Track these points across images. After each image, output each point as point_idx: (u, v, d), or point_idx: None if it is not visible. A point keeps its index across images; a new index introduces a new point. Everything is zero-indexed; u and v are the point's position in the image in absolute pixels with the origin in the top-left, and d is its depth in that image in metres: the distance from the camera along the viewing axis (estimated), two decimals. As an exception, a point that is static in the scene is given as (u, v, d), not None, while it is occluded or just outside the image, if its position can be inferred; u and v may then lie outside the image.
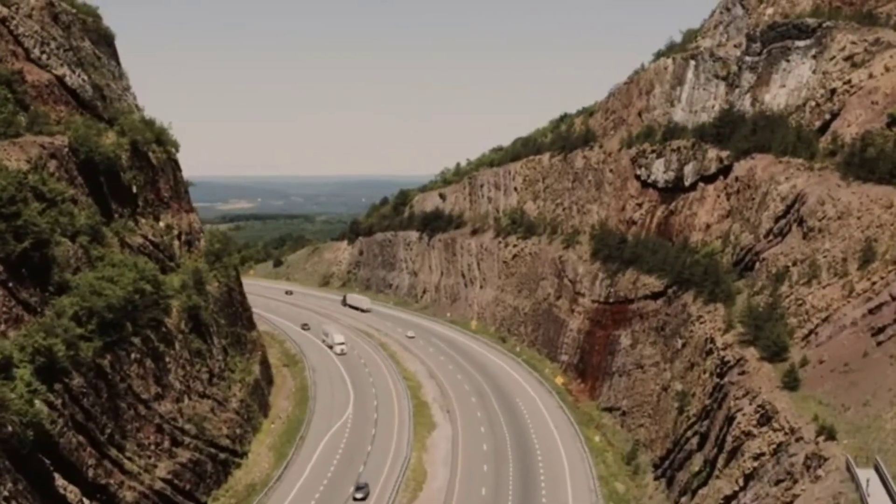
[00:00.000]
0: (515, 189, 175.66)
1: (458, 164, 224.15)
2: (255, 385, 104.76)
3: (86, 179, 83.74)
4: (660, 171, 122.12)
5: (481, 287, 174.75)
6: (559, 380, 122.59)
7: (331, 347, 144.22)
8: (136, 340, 75.24)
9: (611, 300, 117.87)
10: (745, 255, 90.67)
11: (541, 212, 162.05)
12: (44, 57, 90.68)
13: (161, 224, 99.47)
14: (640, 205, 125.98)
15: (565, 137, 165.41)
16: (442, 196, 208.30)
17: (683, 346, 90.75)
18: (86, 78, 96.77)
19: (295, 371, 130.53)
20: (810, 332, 69.75)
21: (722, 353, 76.25)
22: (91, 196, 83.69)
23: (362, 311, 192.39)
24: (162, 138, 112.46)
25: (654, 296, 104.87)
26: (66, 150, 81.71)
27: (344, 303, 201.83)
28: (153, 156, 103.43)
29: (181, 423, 79.52)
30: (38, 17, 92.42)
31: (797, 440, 57.18)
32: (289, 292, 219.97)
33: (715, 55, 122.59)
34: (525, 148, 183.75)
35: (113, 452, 67.60)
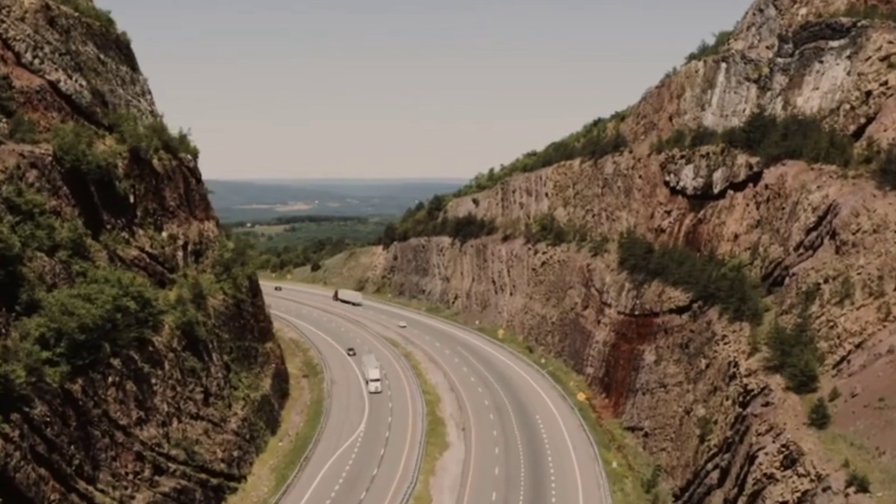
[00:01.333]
0: (546, 195, 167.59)
1: (491, 170, 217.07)
2: (263, 401, 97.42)
3: (72, 189, 76.78)
4: (689, 178, 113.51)
5: (511, 294, 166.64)
6: (582, 396, 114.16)
7: (366, 383, 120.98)
8: (116, 362, 68.14)
9: (636, 312, 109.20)
10: (774, 269, 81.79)
11: (570, 218, 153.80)
12: (36, 62, 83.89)
13: (164, 234, 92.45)
14: (668, 212, 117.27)
15: (596, 142, 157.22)
16: (475, 201, 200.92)
17: (707, 366, 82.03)
18: (84, 83, 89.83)
19: (314, 382, 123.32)
20: (842, 359, 60.93)
21: (745, 379, 67.52)
22: (78, 207, 76.72)
23: (354, 304, 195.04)
24: (172, 144, 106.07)
25: (679, 310, 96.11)
26: (50, 158, 74.85)
27: (335, 297, 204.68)
28: (159, 163, 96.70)
29: (167, 449, 72.25)
30: (31, 21, 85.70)
31: (824, 490, 48.57)
32: (278, 288, 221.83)
33: (746, 57, 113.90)
34: (557, 153, 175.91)
35: (81, 485, 60.51)
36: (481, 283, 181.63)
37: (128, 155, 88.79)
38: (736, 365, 71.58)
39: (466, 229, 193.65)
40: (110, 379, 66.99)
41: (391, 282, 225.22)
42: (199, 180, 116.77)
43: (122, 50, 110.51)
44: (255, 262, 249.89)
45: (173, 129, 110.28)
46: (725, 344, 78.39)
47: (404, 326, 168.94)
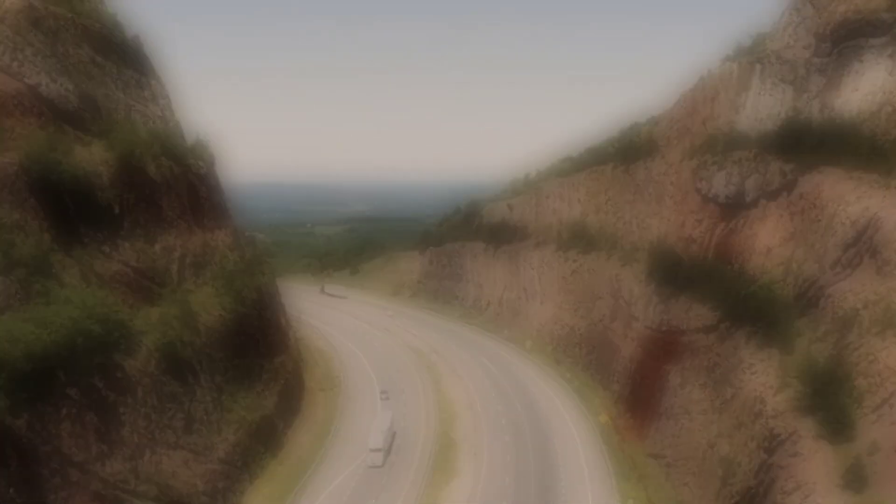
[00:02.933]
0: (579, 201, 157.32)
1: (527, 174, 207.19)
2: (263, 423, 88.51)
3: (42, 201, 68.60)
4: (721, 185, 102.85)
5: (541, 303, 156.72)
6: (605, 417, 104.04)
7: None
8: (73, 392, 59.80)
9: (663, 328, 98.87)
10: (808, 289, 71.23)
11: (602, 225, 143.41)
12: (15, 64, 75.88)
13: (157, 247, 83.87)
14: (699, 221, 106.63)
15: (629, 147, 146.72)
16: (510, 206, 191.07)
17: (732, 396, 71.58)
18: (70, 87, 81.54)
19: (330, 397, 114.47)
20: (883, 401, 50.60)
21: (772, 421, 57.19)
22: (48, 220, 68.47)
23: (339, 297, 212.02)
24: (178, 151, 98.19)
25: (707, 329, 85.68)
26: (15, 168, 66.66)
27: (322, 291, 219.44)
28: (156, 171, 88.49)
29: (134, 485, 63.68)
30: (12, 22, 77.89)
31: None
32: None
33: (782, 58, 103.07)
34: (591, 158, 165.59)
35: (23, 533, 52.17)
36: (513, 291, 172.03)
37: (116, 162, 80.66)
38: (762, 402, 61.20)
39: (500, 235, 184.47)
40: (64, 411, 58.55)
41: (426, 286, 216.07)
42: (212, 188, 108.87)
43: (128, 53, 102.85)
44: (291, 266, 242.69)
45: (204, 136, 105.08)
46: (752, 374, 67.98)
47: (392, 316, 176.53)
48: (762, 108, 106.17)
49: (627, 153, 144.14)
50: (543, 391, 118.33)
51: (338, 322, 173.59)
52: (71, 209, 72.30)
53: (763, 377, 64.88)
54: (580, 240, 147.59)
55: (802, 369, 58.12)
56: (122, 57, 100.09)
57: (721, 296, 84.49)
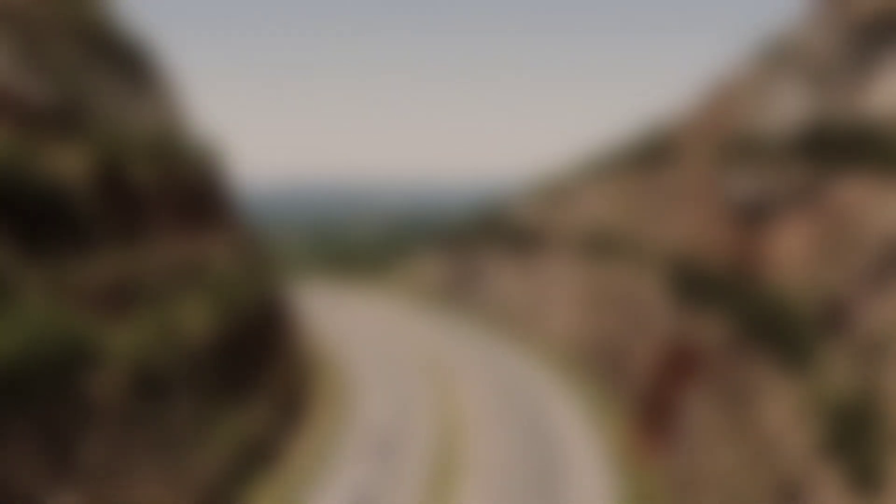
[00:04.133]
0: (598, 205, 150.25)
1: (548, 177, 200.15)
2: (251, 442, 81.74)
3: (5, 210, 62.19)
4: (741, 191, 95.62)
5: (560, 309, 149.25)
6: (618, 441, 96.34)
7: None
8: (24, 417, 53.28)
9: (679, 342, 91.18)
10: (834, 308, 63.37)
11: (620, 230, 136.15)
12: (-19, 64, 69.71)
13: (139, 257, 77.46)
14: (719, 229, 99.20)
15: (648, 150, 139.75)
16: (530, 210, 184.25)
17: (749, 425, 63.85)
18: (48, 89, 75.35)
19: (329, 412, 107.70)
20: (920, 446, 42.81)
21: (791, 464, 49.55)
22: (12, 231, 62.09)
23: (359, 300, 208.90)
24: (173, 154, 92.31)
25: (724, 346, 77.95)
26: (-31, 176, 60.34)
27: (342, 294, 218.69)
28: (144, 175, 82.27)
29: (94, 519, 57.01)
30: (-19, 19, 71.76)
31: None
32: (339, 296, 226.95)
33: (807, 57, 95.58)
34: (611, 161, 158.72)
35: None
36: (533, 296, 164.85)
37: (95, 167, 74.37)
38: (781, 438, 53.61)
39: (521, 239, 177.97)
40: (12, 438, 52.19)
41: (448, 290, 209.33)
42: (214, 192, 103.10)
43: (125, 54, 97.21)
44: (313, 267, 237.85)
45: (210, 138, 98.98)
46: (771, 401, 60.24)
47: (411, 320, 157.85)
48: (786, 109, 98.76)
49: (647, 156, 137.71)
50: (556, 408, 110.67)
51: (354, 327, 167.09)
52: (39, 218, 65.93)
53: (782, 407, 57.23)
54: (598, 245, 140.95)
55: (827, 403, 50.49)
56: (118, 57, 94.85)
57: (739, 310, 76.84)
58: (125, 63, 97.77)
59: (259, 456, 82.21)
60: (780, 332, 65.35)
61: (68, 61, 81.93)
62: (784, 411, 56.45)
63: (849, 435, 45.79)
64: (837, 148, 78.41)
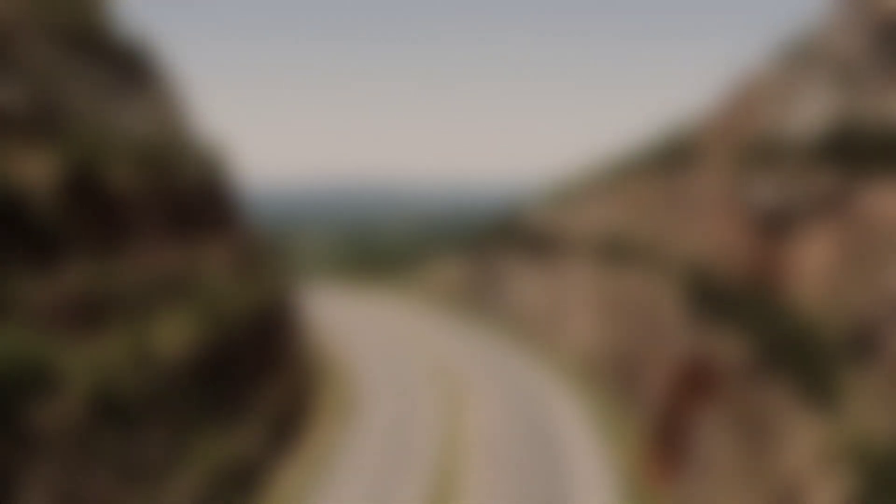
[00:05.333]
0: (615, 210, 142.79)
1: (566, 180, 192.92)
2: (235, 465, 75.07)
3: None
4: (763, 197, 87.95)
5: (576, 317, 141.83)
6: (628, 462, 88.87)
7: None
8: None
9: (695, 359, 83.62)
10: (863, 330, 55.76)
11: (637, 237, 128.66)
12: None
13: (115, 269, 71.03)
14: (739, 237, 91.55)
15: (667, 153, 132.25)
16: (547, 214, 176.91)
17: (767, 460, 56.28)
18: (21, 92, 69.10)
19: (330, 427, 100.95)
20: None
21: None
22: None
23: (375, 304, 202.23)
24: (164, 158, 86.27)
25: (741, 367, 70.32)
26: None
27: (358, 297, 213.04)
28: (126, 181, 76.00)
29: (38, 563, 50.53)
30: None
31: None
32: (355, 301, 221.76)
33: (833, 56, 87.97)
34: (629, 164, 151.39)
35: None
36: (549, 303, 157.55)
37: (68, 173, 68.11)
38: (803, 483, 46.10)
39: (538, 243, 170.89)
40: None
41: (466, 295, 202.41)
42: (210, 197, 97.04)
43: (118, 56, 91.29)
44: (332, 269, 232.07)
45: (211, 141, 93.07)
46: (792, 435, 52.70)
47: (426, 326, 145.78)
48: (810, 112, 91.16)
49: (666, 160, 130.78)
50: (566, 423, 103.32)
51: (369, 332, 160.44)
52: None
53: (805, 446, 49.72)
54: (615, 252, 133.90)
55: (855, 447, 43.02)
56: (111, 59, 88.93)
57: (759, 328, 69.26)
58: (118, 65, 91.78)
59: (241, 483, 75.53)
60: (803, 357, 57.79)
61: (44, 63, 75.71)
62: (807, 451, 48.92)
63: (884, 490, 38.30)
64: (866, 153, 70.90)
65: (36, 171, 65.44)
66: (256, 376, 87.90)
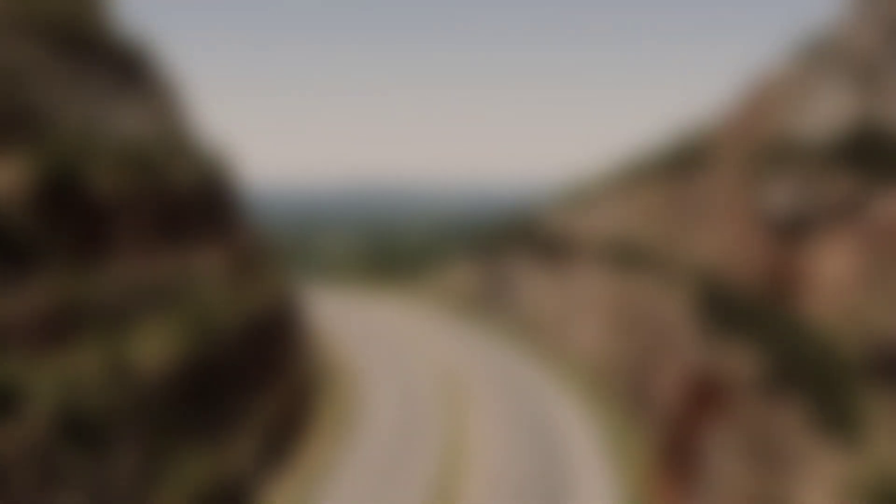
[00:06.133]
0: (626, 214, 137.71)
1: (577, 183, 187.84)
2: (218, 486, 70.58)
3: None
4: (777, 203, 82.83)
5: (585, 324, 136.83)
6: (635, 477, 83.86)
7: None
8: None
9: (704, 373, 78.58)
10: (884, 349, 50.73)
11: (648, 242, 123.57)
12: None
13: (92, 279, 66.75)
14: (753, 244, 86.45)
15: (679, 156, 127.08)
16: (558, 217, 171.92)
17: (778, 490, 51.26)
18: (-9, 92, 64.98)
19: (326, 440, 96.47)
20: None
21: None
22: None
23: (385, 307, 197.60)
24: (155, 162, 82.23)
25: (752, 384, 65.26)
26: None
27: (368, 299, 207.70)
28: (109, 186, 71.77)
29: None
30: None
31: None
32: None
33: (851, 55, 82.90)
34: (641, 167, 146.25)
35: None
36: (559, 308, 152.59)
37: (41, 178, 63.90)
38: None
39: (549, 247, 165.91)
40: None
41: (477, 298, 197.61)
42: (205, 201, 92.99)
43: (115, 57, 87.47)
44: (345, 271, 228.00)
45: (209, 144, 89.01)
46: (807, 467, 47.71)
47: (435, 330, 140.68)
48: (827, 113, 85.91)
49: (678, 163, 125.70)
50: (571, 435, 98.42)
51: (377, 336, 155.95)
52: (-45, 240, 55.51)
53: (822, 477, 44.78)
54: (626, 257, 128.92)
55: (878, 489, 38.09)
56: (104, 60, 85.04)
57: (773, 344, 64.21)
58: (114, 66, 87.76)
59: (229, 502, 71.05)
60: (820, 378, 52.79)
61: (22, 62, 71.55)
62: (824, 485, 43.92)
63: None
64: (886, 156, 65.83)
65: (7, 176, 61.28)
66: (250, 388, 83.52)
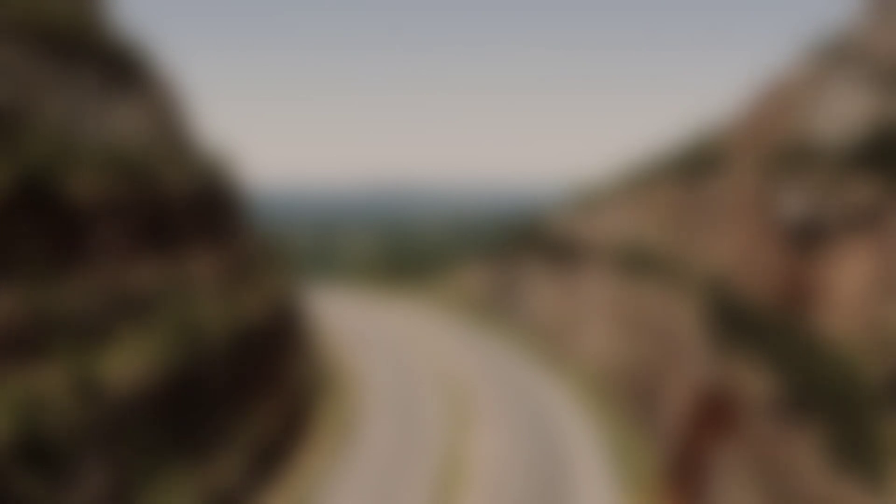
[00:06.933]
0: (636, 218, 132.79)
1: (587, 185, 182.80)
2: (202, 506, 66.35)
3: None
4: (792, 209, 77.88)
5: (593, 330, 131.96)
6: (640, 495, 78.91)
7: None
8: None
9: (713, 388, 73.68)
10: (908, 373, 45.78)
11: (658, 247, 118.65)
12: None
13: (64, 290, 62.55)
14: (767, 252, 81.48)
15: (690, 159, 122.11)
16: (567, 220, 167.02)
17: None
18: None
19: (321, 456, 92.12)
20: None
21: None
22: None
23: (394, 310, 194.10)
24: (146, 166, 78.44)
25: (766, 407, 60.34)
26: None
27: (378, 302, 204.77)
28: (92, 191, 67.75)
29: None
30: None
31: None
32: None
33: (869, 55, 78.07)
34: (652, 170, 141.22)
35: None
36: (566, 312, 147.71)
37: (13, 184, 59.83)
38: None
39: (557, 251, 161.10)
40: None
41: (486, 303, 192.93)
42: (199, 205, 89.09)
43: (108, 60, 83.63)
44: (356, 274, 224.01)
45: (209, 147, 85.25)
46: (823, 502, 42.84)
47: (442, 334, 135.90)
48: (844, 114, 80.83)
49: (690, 166, 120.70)
50: (577, 456, 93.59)
51: (383, 341, 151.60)
52: None
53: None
54: (634, 262, 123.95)
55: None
56: (96, 63, 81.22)
57: (786, 362, 59.32)
58: (106, 69, 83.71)
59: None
60: (838, 403, 47.87)
61: (12, 65, 67.61)
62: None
63: None
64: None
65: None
66: (241, 402, 79.25)
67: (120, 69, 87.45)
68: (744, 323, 72.56)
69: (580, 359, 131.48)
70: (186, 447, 67.64)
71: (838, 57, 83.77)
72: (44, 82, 72.96)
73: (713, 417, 70.46)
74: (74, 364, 57.64)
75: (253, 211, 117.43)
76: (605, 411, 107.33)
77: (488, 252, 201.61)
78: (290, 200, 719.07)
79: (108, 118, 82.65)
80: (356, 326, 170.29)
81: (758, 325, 69.12)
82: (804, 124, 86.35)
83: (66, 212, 64.75)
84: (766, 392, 59.19)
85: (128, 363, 63.34)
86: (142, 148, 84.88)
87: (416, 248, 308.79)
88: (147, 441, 62.67)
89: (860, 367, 50.50)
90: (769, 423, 57.11)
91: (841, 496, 41.57)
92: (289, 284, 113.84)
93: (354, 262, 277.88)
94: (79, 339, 61.39)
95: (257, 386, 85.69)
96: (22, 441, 50.62)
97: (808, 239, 73.13)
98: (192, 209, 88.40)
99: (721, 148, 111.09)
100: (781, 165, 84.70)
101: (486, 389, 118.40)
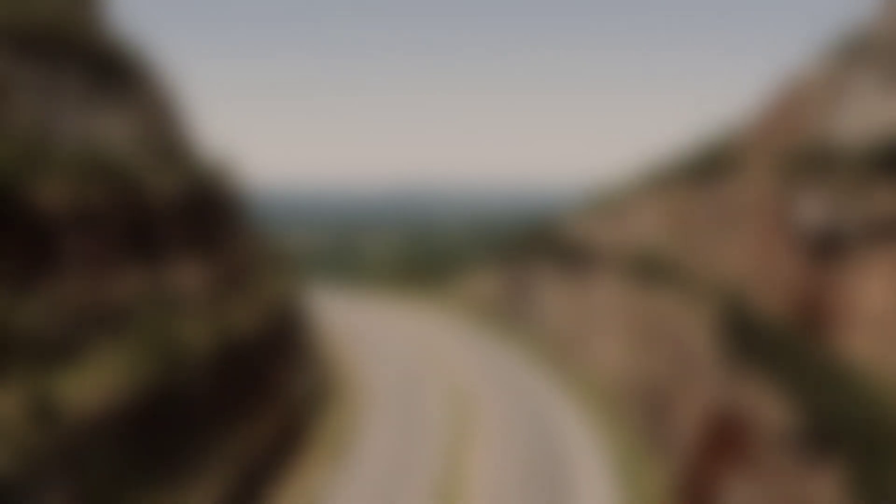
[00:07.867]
0: (649, 224, 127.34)
1: (600, 190, 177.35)
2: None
3: None
4: (811, 217, 72.47)
5: (605, 339, 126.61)
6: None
7: None
8: None
9: (726, 410, 68.27)
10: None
11: (671, 255, 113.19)
12: None
13: (29, 305, 58.05)
14: (784, 261, 76.05)
15: (705, 163, 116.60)
16: (579, 225, 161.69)
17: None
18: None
19: (316, 475, 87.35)
20: None
21: None
22: None
23: (403, 315, 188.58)
24: (137, 171, 74.44)
25: (781, 435, 54.92)
26: None
27: (389, 307, 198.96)
28: (68, 199, 63.49)
29: None
30: None
31: None
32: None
33: (892, 53, 72.80)
34: (666, 174, 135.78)
35: None
36: (577, 319, 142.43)
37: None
38: None
39: (570, 257, 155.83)
40: None
41: (498, 308, 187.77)
42: (191, 212, 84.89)
43: (99, 64, 79.72)
44: (372, 278, 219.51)
45: (205, 153, 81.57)
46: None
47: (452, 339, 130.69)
48: (863, 116, 75.36)
49: (705, 169, 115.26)
50: (583, 474, 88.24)
51: (391, 348, 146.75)
52: None
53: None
54: (647, 270, 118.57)
55: None
56: (85, 67, 77.34)
57: (802, 385, 53.93)
58: (93, 74, 79.68)
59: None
60: (859, 435, 42.50)
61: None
62: None
63: None
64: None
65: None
66: (226, 419, 74.58)
67: (109, 73, 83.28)
68: (759, 341, 67.10)
69: (591, 370, 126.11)
70: (160, 471, 62.96)
71: (858, 57, 78.38)
72: (19, 84, 68.68)
73: (726, 444, 65.05)
74: (32, 385, 53.07)
75: (254, 216, 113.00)
76: (614, 428, 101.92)
77: (503, 256, 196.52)
78: (310, 203, 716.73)
79: (92, 123, 78.36)
80: (368, 333, 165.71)
81: (774, 343, 63.68)
82: (823, 126, 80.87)
83: (33, 219, 60.29)
84: (783, 420, 53.79)
85: (95, 382, 58.70)
86: (126, 154, 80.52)
87: (434, 251, 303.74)
88: (114, 467, 57.98)
89: (885, 395, 45.13)
90: (786, 454, 51.73)
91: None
92: (291, 292, 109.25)
93: (373, 264, 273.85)
94: (41, 357, 56.85)
95: (247, 402, 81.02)
96: (-36, 473, 46.06)
97: (828, 250, 67.69)
98: (180, 217, 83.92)
99: (737, 151, 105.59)
100: (799, 170, 79.32)
101: (493, 403, 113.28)
